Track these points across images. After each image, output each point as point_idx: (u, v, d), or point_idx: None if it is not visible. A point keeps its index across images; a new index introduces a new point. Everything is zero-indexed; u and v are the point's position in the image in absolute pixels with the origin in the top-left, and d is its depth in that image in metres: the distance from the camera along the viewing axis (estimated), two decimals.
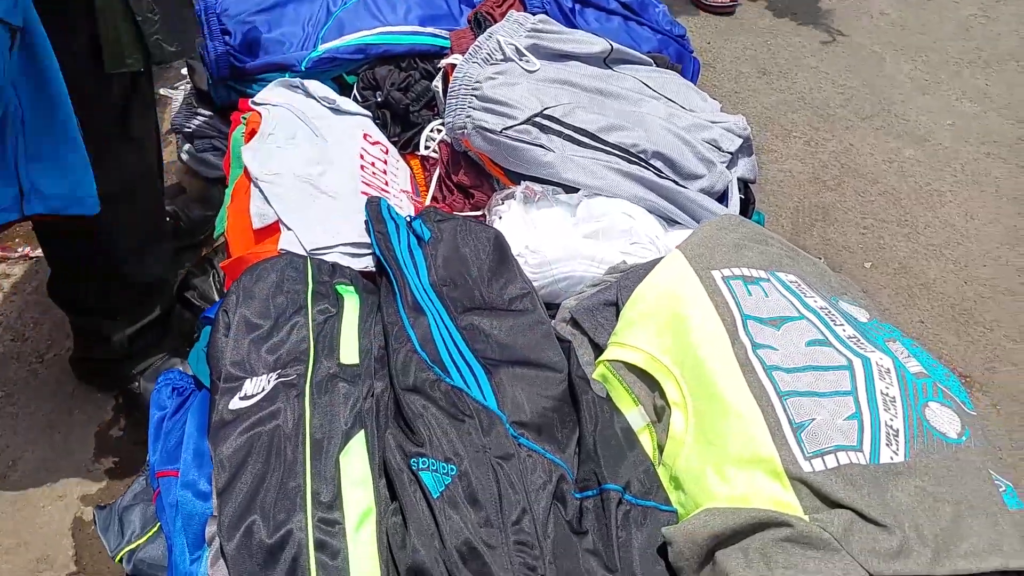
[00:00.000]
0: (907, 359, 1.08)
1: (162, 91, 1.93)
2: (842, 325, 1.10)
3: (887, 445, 0.96)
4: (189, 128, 1.75)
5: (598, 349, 1.19)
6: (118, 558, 1.01)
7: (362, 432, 0.93)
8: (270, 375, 0.98)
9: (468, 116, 1.44)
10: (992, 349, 1.53)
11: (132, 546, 1.01)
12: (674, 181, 1.46)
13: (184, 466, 0.97)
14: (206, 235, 1.69)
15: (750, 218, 1.58)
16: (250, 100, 1.50)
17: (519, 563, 0.86)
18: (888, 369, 1.04)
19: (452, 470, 0.89)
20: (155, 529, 1.02)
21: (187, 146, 1.78)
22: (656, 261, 1.20)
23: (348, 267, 1.18)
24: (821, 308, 1.11)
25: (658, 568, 0.93)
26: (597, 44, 1.64)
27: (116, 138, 1.25)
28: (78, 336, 1.39)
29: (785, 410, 0.97)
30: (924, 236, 1.74)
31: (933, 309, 1.60)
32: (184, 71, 1.78)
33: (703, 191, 1.48)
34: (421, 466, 0.88)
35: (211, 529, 0.88)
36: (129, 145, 1.29)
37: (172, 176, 1.85)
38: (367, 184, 1.40)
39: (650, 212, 1.41)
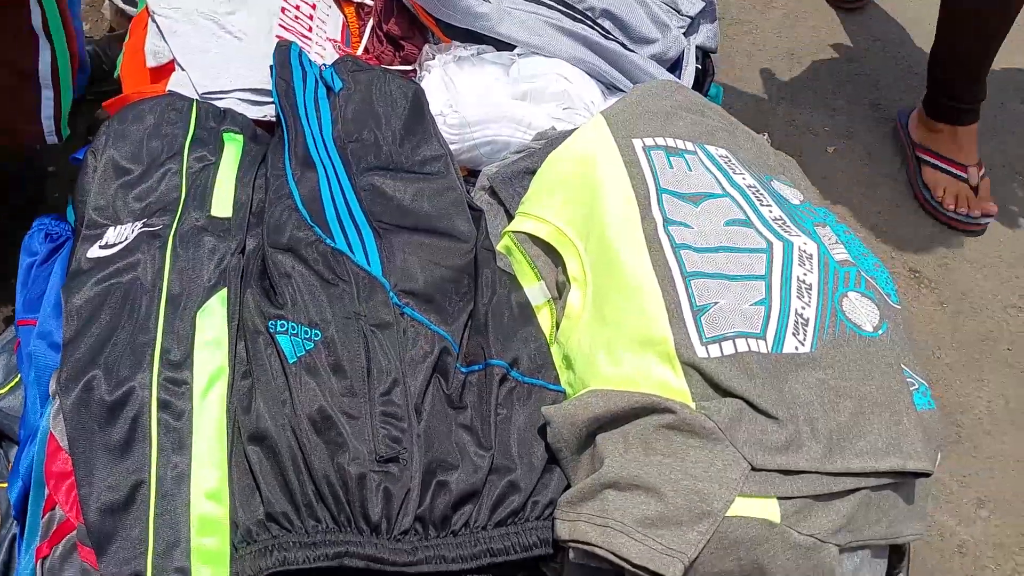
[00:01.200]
0: (834, 245, 1.01)
1: None
2: (769, 206, 1.02)
3: (793, 334, 0.89)
4: None
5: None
6: None
7: (225, 290, 0.86)
8: (135, 224, 0.91)
9: None
10: (949, 245, 1.46)
11: None
12: (622, 44, 1.34)
13: (42, 315, 0.91)
14: None
15: (706, 91, 1.47)
16: None
17: (383, 435, 0.81)
18: (810, 255, 0.97)
19: (316, 335, 0.83)
20: (17, 379, 0.97)
21: None
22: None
23: (242, 115, 1.08)
24: (749, 187, 1.03)
25: (536, 448, 0.88)
26: None
27: None
28: None
29: (688, 291, 0.90)
30: (896, 123, 1.63)
31: (892, 199, 1.51)
32: None
33: (654, 57, 1.36)
34: (279, 329, 0.82)
35: (53, 383, 0.83)
36: None
37: (103, 15, 1.72)
38: (285, 28, 1.28)
39: (590, 76, 1.30)
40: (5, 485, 0.93)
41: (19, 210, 1.31)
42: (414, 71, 1.38)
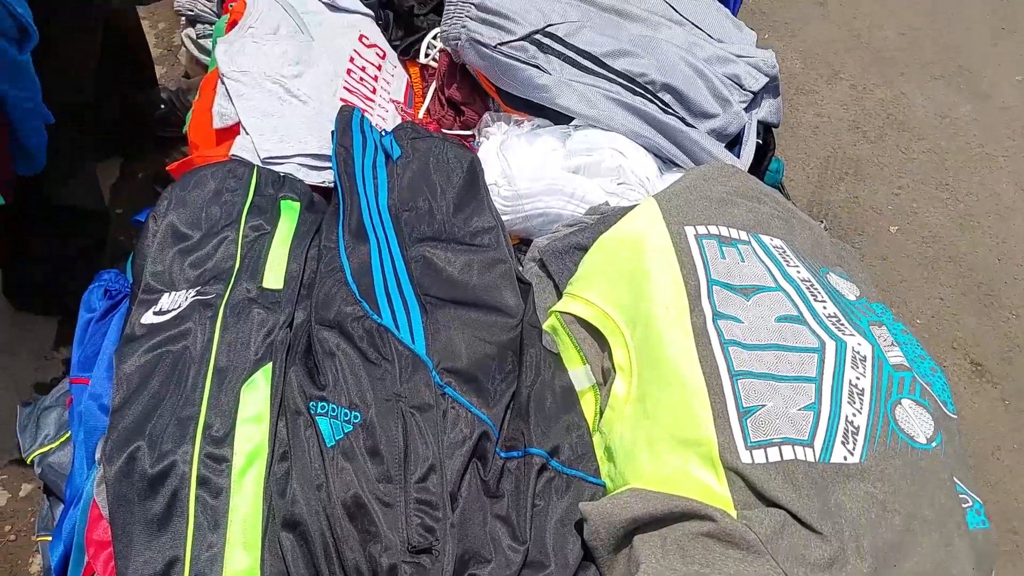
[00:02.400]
0: (890, 347, 0.98)
1: None
2: (823, 302, 0.99)
3: (842, 443, 0.87)
4: (191, 11, 1.67)
5: (562, 295, 1.11)
6: (29, 459, 0.99)
7: (270, 365, 0.87)
8: (189, 291, 0.93)
9: (463, 26, 1.33)
10: (1014, 338, 1.40)
11: (43, 449, 0.98)
12: (681, 119, 1.33)
13: (95, 377, 0.93)
14: None
15: (766, 166, 1.45)
16: None
17: (417, 524, 0.80)
18: (864, 357, 0.94)
19: (355, 418, 0.83)
20: (67, 436, 0.99)
21: (188, 30, 1.71)
22: (634, 206, 1.10)
23: (300, 181, 1.10)
24: (803, 281, 1.01)
25: (572, 544, 0.87)
26: None
27: None
28: (7, 262, 1.32)
29: (735, 391, 0.88)
30: (964, 204, 1.59)
31: (957, 285, 1.46)
32: None
33: (714, 131, 1.35)
34: (319, 411, 0.82)
35: (99, 450, 0.84)
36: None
37: (179, 61, 1.78)
38: (349, 90, 1.31)
39: (648, 151, 1.29)
40: (49, 539, 0.95)
41: (85, 250, 1.35)
42: (473, 136, 1.39)
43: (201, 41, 1.68)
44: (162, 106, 1.59)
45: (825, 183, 1.60)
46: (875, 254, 1.49)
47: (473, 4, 1.34)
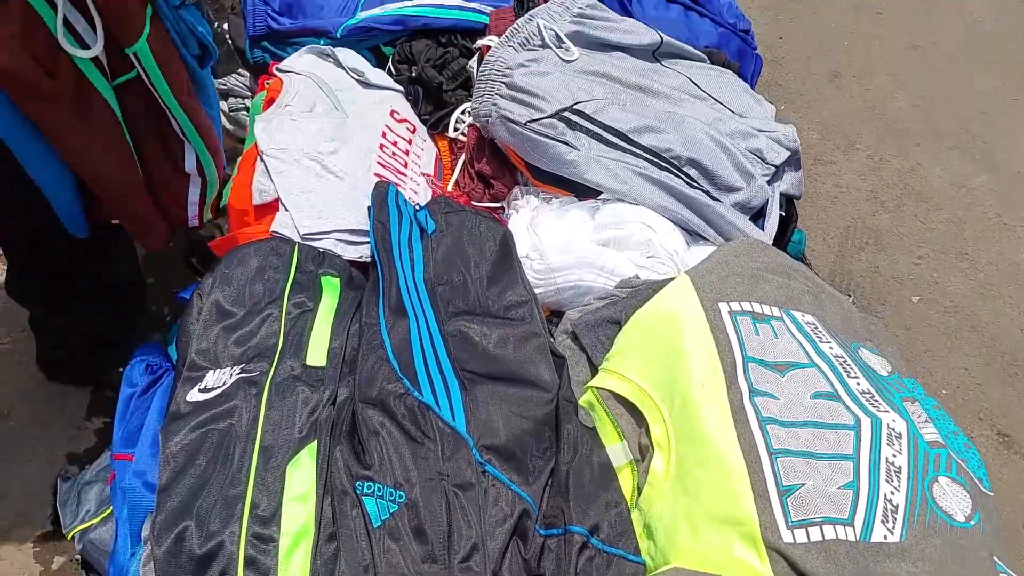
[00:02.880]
0: (924, 424, 0.99)
1: None
2: (856, 378, 1.00)
3: (882, 522, 0.87)
4: (224, 86, 1.72)
5: (595, 369, 1.12)
6: (70, 535, 0.99)
7: (315, 443, 0.88)
8: (234, 368, 0.94)
9: (494, 104, 1.37)
10: None
11: (84, 525, 0.99)
12: (707, 192, 1.36)
13: (139, 453, 0.94)
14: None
15: (789, 237, 1.47)
16: (275, 66, 1.45)
17: None
18: (900, 434, 0.95)
19: (400, 497, 0.84)
20: (108, 512, 1.00)
21: (221, 103, 1.75)
22: (667, 282, 1.12)
23: (339, 256, 1.13)
24: (836, 356, 1.02)
25: None
26: (646, 35, 1.53)
27: None
28: (45, 334, 1.34)
29: (774, 470, 0.89)
30: (984, 273, 1.60)
31: (981, 355, 1.47)
32: (225, 26, 1.75)
33: (738, 205, 1.38)
34: (366, 491, 0.83)
35: (147, 528, 0.85)
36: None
37: None
38: (383, 165, 1.34)
39: (675, 224, 1.32)
40: None
41: (120, 321, 1.37)
42: (502, 208, 1.42)
43: (233, 114, 1.73)
44: None
45: (846, 253, 1.62)
46: (899, 324, 1.50)
47: (503, 83, 1.38)
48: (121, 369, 1.35)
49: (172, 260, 1.58)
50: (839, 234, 1.66)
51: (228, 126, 1.76)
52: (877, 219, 1.69)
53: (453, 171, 1.51)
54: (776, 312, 1.05)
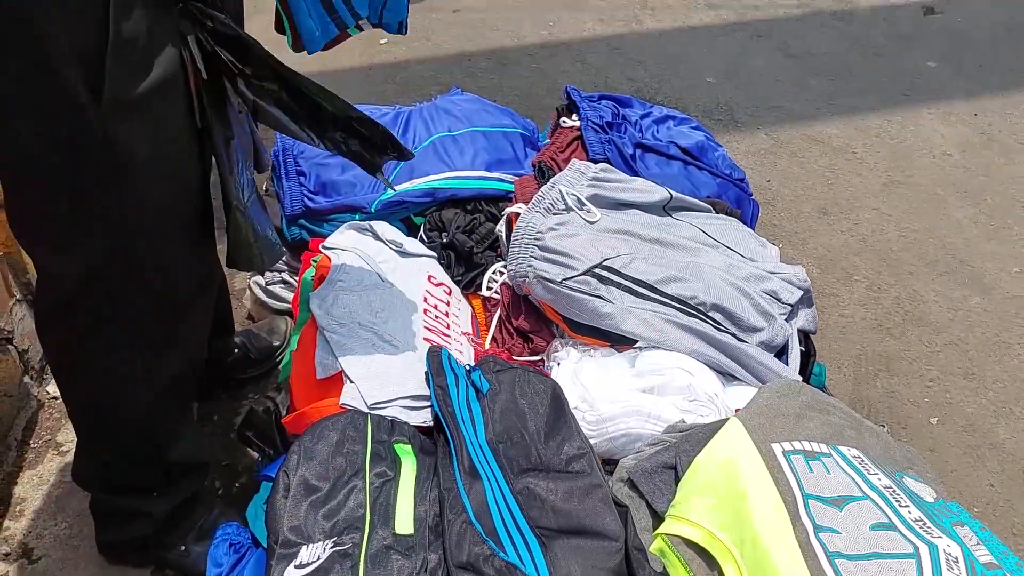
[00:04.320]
0: (976, 547, 1.04)
1: None
2: (907, 506, 1.07)
3: None
4: None
5: (656, 515, 1.17)
6: None
7: None
8: (326, 542, 0.99)
9: (530, 266, 1.47)
10: None
11: None
12: (733, 334, 1.46)
13: None
14: (271, 367, 1.73)
15: (811, 370, 1.56)
16: (321, 244, 1.55)
17: None
18: (956, 558, 1.01)
19: None
20: None
21: (257, 277, 1.85)
22: (716, 426, 1.19)
23: (406, 423, 1.19)
24: (886, 487, 1.09)
25: None
26: (656, 193, 1.67)
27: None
28: (106, 517, 1.36)
29: None
30: (992, 391, 1.69)
31: (1004, 472, 1.54)
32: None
33: (763, 344, 1.47)
34: None
35: None
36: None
37: (243, 304, 1.91)
38: (429, 329, 1.42)
39: (709, 367, 1.40)
40: None
41: (183, 499, 1.39)
42: (542, 361, 1.51)
43: (270, 287, 1.82)
44: (235, 351, 1.70)
45: (862, 381, 1.71)
46: (922, 447, 1.57)
47: (536, 246, 1.49)
48: (182, 547, 1.38)
49: (219, 435, 1.63)
50: (852, 363, 1.75)
51: (264, 299, 1.85)
52: (885, 346, 1.78)
53: (488, 328, 1.60)
54: (824, 448, 1.12)
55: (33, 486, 1.51)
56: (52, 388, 1.68)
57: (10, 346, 1.59)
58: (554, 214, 1.56)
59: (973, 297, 1.92)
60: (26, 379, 1.64)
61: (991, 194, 2.25)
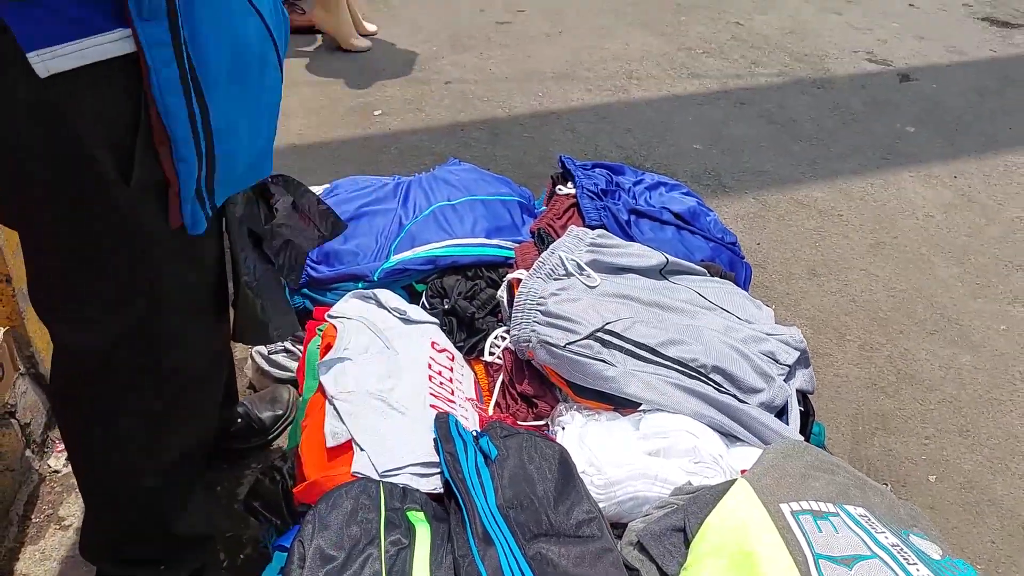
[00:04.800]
0: None
1: None
2: (915, 564, 1.08)
3: None
4: None
5: None
6: None
7: None
8: None
9: (533, 330, 1.50)
10: None
11: None
12: (734, 395, 1.48)
13: None
14: (273, 436, 1.73)
15: (810, 430, 1.58)
16: (326, 313, 1.57)
17: None
18: None
19: None
20: None
21: (260, 347, 1.86)
22: (723, 487, 1.21)
23: (418, 491, 1.20)
24: (893, 545, 1.10)
25: None
26: (653, 257, 1.71)
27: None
28: None
29: None
30: (988, 448, 1.72)
31: (1004, 528, 1.56)
32: None
33: (763, 405, 1.50)
34: None
35: None
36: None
37: (244, 373, 1.91)
38: (435, 396, 1.44)
39: (712, 428, 1.42)
40: None
41: (191, 571, 1.39)
42: (546, 425, 1.52)
43: (273, 356, 1.83)
44: (238, 420, 1.70)
45: (859, 439, 1.73)
46: (922, 504, 1.59)
47: (539, 311, 1.52)
48: None
49: (222, 506, 1.62)
50: (849, 422, 1.78)
51: (266, 367, 1.86)
52: (880, 404, 1.81)
53: (491, 393, 1.61)
54: (831, 508, 1.14)
55: (36, 562, 1.49)
56: (53, 462, 1.68)
57: (12, 419, 1.59)
58: (555, 279, 1.60)
59: (963, 355, 1.96)
60: (27, 452, 1.64)
61: (974, 254, 2.32)
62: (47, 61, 0.89)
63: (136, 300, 1.07)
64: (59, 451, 1.70)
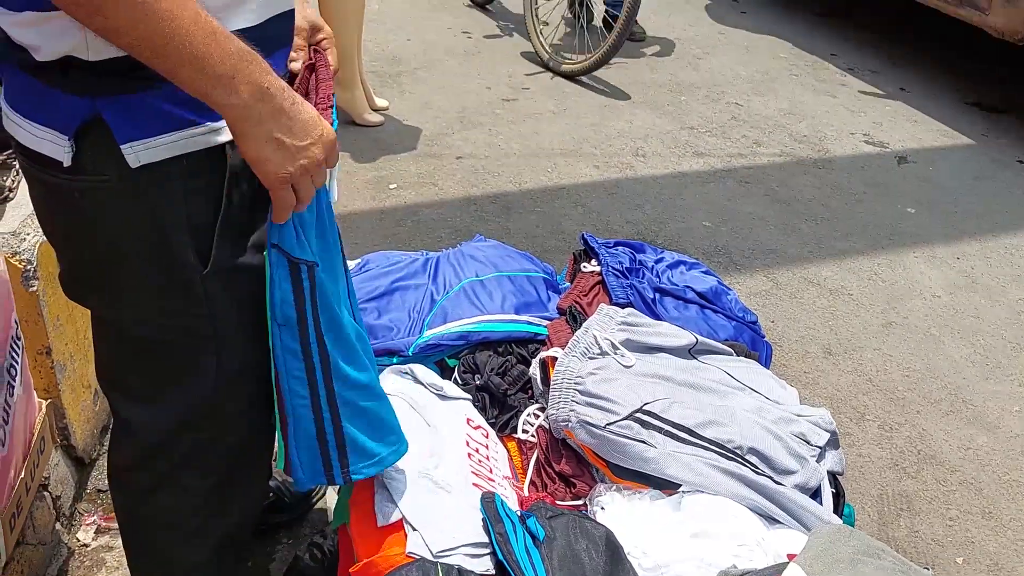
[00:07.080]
0: None
1: None
2: None
3: None
4: None
5: None
6: None
7: None
8: None
9: (572, 410, 1.52)
10: None
11: None
12: (770, 477, 1.50)
13: None
14: (305, 511, 1.73)
15: (841, 511, 1.60)
16: None
17: None
18: None
19: None
20: None
21: None
22: (772, 572, 1.22)
23: (472, 572, 1.21)
24: None
25: None
26: (683, 337, 1.75)
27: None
28: None
29: None
30: (1011, 530, 1.75)
31: None
32: None
33: (798, 487, 1.52)
34: None
35: None
36: None
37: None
38: (476, 474, 1.45)
39: (751, 510, 1.44)
40: None
41: None
42: (584, 505, 1.53)
43: None
44: (270, 495, 1.70)
45: (886, 521, 1.75)
46: None
47: (577, 390, 1.55)
48: None
49: None
50: (874, 503, 1.80)
51: None
52: (904, 485, 1.84)
53: (525, 471, 1.62)
54: None
55: None
56: (82, 535, 1.66)
57: (46, 492, 1.58)
58: (590, 358, 1.63)
59: (980, 436, 2.00)
60: (57, 526, 1.62)
61: (982, 335, 2.38)
62: (139, 152, 0.93)
63: (204, 379, 1.08)
64: (87, 523, 1.68)
